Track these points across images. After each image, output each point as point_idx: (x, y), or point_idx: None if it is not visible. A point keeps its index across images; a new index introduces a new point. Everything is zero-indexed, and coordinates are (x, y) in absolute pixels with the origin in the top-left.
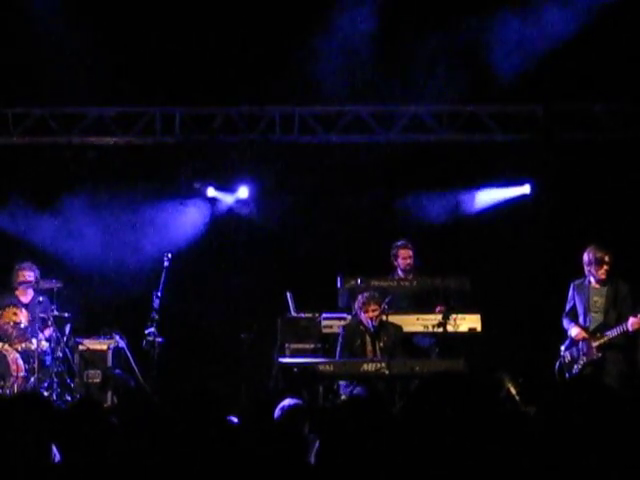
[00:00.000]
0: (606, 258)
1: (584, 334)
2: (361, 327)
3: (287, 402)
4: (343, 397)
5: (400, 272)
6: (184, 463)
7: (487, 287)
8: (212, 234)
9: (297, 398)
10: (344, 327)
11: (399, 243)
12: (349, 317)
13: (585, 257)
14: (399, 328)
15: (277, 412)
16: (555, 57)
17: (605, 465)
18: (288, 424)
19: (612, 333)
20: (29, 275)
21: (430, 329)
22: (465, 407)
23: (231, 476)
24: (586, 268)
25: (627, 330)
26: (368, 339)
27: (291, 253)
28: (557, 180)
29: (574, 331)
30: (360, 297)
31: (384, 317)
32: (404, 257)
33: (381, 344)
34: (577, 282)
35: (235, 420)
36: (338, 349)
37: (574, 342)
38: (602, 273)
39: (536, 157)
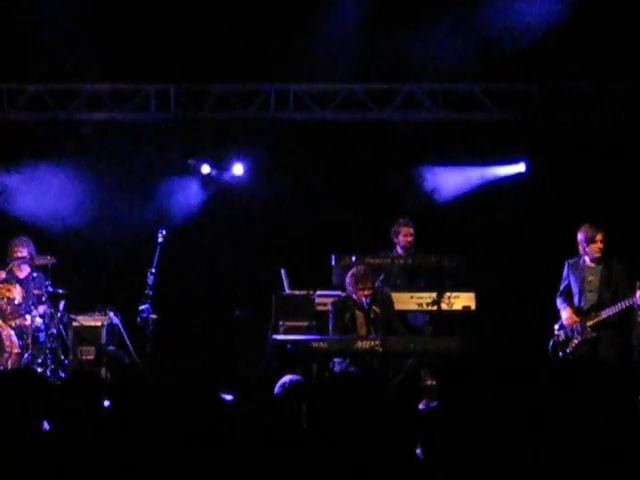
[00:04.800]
0: (599, 236)
1: (575, 318)
2: (349, 301)
3: (288, 378)
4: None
5: (400, 249)
6: (177, 439)
7: (482, 265)
8: (206, 211)
9: (297, 375)
10: (333, 303)
11: (401, 220)
12: (343, 295)
13: (580, 235)
14: (388, 296)
15: (277, 388)
16: (552, 35)
17: (601, 443)
18: (287, 400)
19: (611, 310)
20: (22, 251)
21: (424, 307)
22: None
23: (225, 452)
24: (580, 246)
25: (633, 303)
26: (358, 312)
27: (285, 230)
28: (552, 158)
29: (565, 314)
30: (351, 273)
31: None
32: (405, 234)
33: (372, 315)
34: (572, 261)
35: (228, 397)
36: (330, 325)
37: None
38: (596, 251)
39: (532, 135)
